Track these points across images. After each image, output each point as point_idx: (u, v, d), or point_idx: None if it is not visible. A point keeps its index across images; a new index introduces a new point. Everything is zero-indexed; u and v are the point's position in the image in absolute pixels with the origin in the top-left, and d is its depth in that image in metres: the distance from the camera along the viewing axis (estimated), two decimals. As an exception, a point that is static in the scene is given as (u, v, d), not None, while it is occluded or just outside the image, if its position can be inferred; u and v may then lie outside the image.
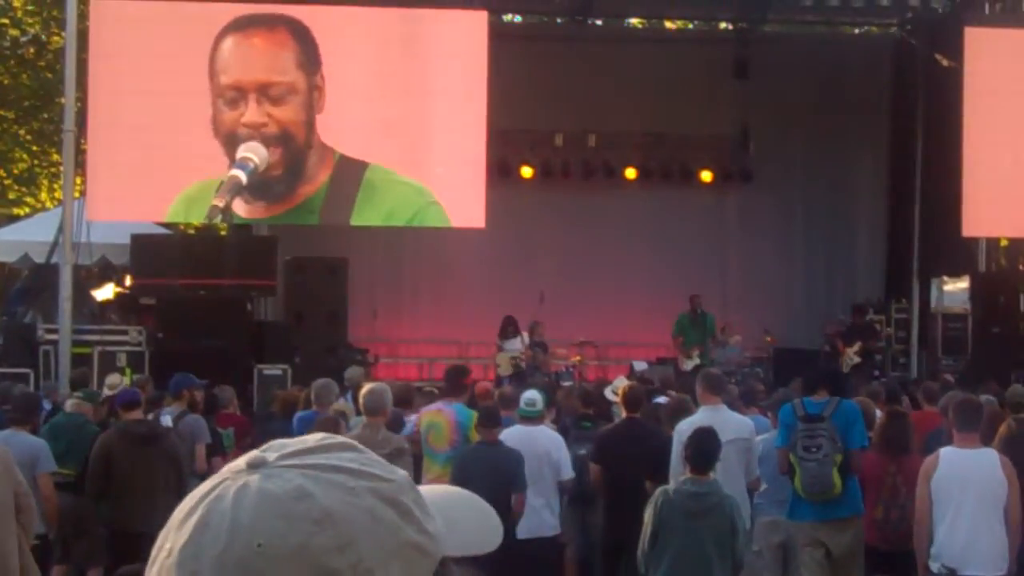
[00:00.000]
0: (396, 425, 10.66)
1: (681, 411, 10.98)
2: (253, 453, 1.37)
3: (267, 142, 18.49)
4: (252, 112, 18.60)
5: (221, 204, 17.17)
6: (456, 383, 11.51)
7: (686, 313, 21.16)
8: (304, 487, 1.31)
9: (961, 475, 8.89)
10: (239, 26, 18.82)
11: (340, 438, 1.42)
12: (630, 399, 11.43)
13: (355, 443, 1.41)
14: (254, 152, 18.28)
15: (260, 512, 1.29)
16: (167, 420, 12.34)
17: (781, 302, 23.69)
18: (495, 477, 9.86)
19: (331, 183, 18.98)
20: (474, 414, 10.89)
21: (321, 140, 18.94)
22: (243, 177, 17.83)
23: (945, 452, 9.07)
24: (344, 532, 1.30)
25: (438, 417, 10.88)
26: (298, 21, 18.99)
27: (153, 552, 1.34)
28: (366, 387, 10.34)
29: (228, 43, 18.80)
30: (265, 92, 18.69)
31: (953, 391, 13.19)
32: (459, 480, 10.39)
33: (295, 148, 18.81)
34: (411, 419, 11.58)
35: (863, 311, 22.00)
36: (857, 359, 20.56)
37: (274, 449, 1.37)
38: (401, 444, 9.75)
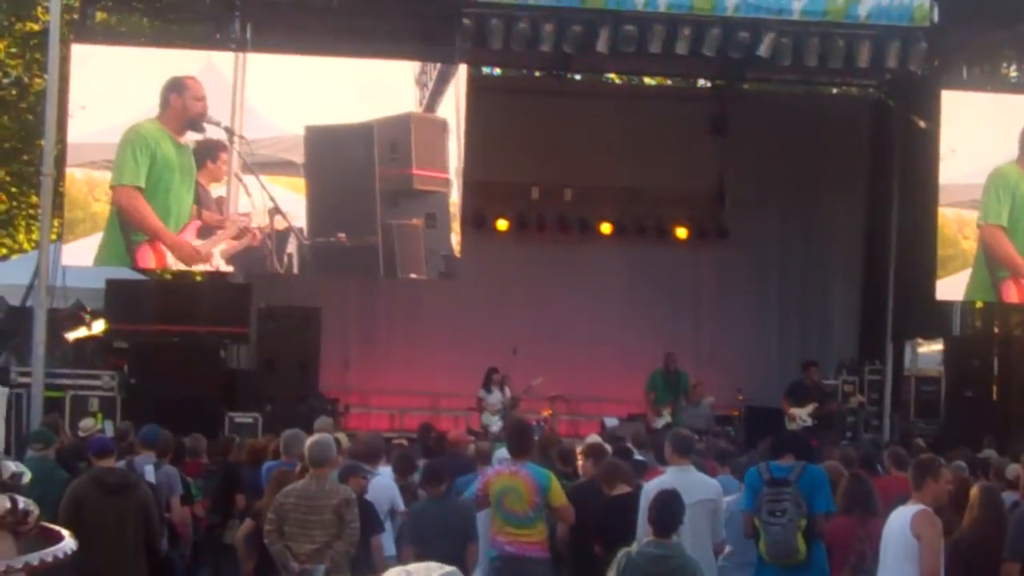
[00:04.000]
0: (352, 475, 10.52)
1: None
2: None
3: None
4: None
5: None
6: (523, 443, 11.09)
7: (660, 370, 21.11)
8: None
9: (886, 534, 8.86)
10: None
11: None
12: (598, 455, 11.50)
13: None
14: None
15: None
16: (150, 471, 12.28)
17: (755, 361, 23.70)
18: (447, 530, 10.01)
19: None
20: (550, 473, 10.83)
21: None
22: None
23: (895, 510, 9.08)
24: None
25: (514, 480, 10.56)
26: None
27: None
28: (311, 438, 10.30)
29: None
30: None
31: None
32: (412, 536, 10.39)
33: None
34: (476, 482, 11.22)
35: (811, 368, 21.31)
36: (810, 421, 20.12)
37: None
38: (348, 495, 9.68)
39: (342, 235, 18.82)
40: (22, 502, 0.81)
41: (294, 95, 18.93)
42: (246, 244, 18.55)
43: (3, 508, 0.79)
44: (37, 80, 27.94)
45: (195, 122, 18.38)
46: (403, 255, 19.03)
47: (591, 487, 11.13)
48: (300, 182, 18.79)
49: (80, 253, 18.70)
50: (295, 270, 19.01)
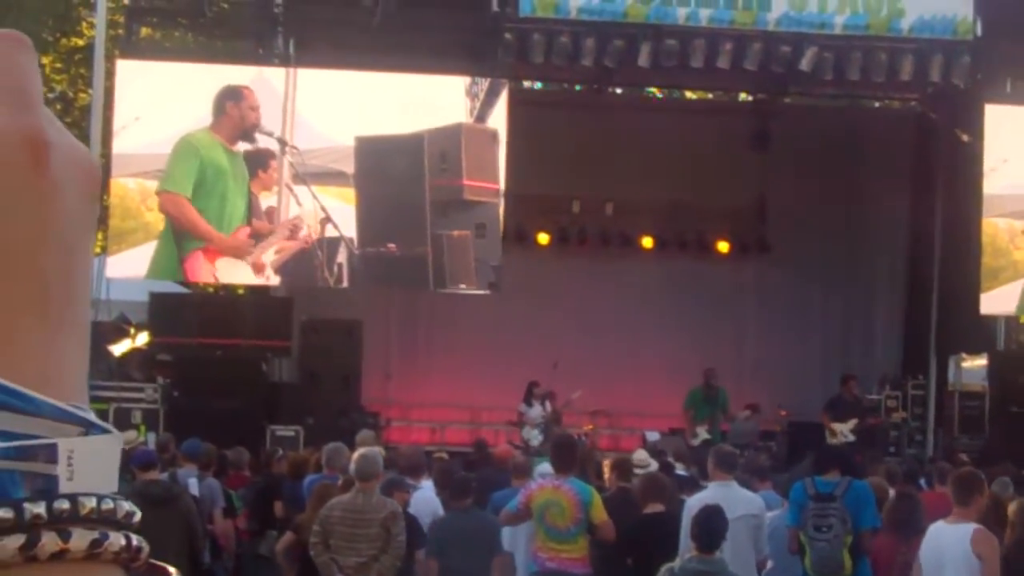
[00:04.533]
0: (395, 489, 10.55)
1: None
2: None
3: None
4: None
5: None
6: (567, 458, 11.02)
7: (699, 387, 20.97)
8: None
9: (938, 551, 8.78)
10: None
11: None
12: (621, 468, 11.53)
13: None
14: None
15: None
16: (193, 484, 12.37)
17: (797, 376, 23.57)
18: (468, 543, 10.09)
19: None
20: (592, 488, 10.85)
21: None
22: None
23: (932, 527, 9.01)
24: None
25: (556, 495, 10.53)
26: None
27: None
28: (357, 452, 10.34)
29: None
30: None
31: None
32: (432, 547, 10.41)
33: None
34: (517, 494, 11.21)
35: (850, 382, 21.10)
36: (851, 437, 19.99)
37: None
38: (395, 509, 9.72)
39: (392, 245, 18.89)
40: (135, 539, 0.87)
41: (344, 106, 19.01)
42: (298, 247, 18.62)
43: (119, 545, 0.84)
44: (82, 95, 28.15)
45: (248, 132, 18.49)
46: (452, 266, 19.09)
47: (620, 500, 11.10)
48: (350, 192, 18.88)
49: (127, 264, 18.83)
50: (345, 281, 19.07)
